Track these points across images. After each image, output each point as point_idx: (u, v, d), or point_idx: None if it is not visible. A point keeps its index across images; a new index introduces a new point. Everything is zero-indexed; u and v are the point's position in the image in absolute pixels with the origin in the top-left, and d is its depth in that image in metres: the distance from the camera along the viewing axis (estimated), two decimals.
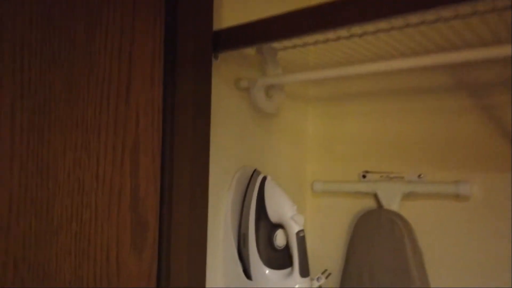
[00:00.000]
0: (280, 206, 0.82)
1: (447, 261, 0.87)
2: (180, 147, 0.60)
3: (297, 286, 0.78)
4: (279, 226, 0.85)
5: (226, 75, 0.86)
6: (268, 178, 0.86)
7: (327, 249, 1.06)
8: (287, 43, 0.83)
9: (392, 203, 0.93)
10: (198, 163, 0.65)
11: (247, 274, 0.83)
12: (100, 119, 0.60)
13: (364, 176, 1.01)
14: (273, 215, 0.83)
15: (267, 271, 0.81)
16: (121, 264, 0.50)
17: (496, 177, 0.83)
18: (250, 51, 0.91)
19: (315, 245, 1.07)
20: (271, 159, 1.01)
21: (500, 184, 0.82)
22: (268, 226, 0.85)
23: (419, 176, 0.92)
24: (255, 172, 0.89)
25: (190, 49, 0.65)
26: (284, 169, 1.06)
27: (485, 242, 0.83)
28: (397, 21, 0.67)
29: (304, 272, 0.79)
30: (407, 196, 0.92)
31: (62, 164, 0.59)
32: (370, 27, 0.71)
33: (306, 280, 0.79)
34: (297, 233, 0.80)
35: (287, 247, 0.87)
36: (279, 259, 0.84)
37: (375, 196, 0.97)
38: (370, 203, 0.99)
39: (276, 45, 0.85)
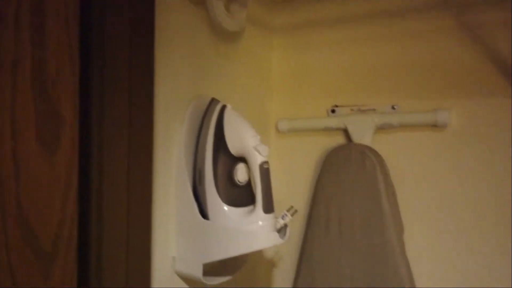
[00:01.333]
0: (242, 136, 0.72)
1: (421, 196, 0.82)
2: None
3: (260, 223, 0.69)
4: (241, 159, 0.74)
5: None
6: (229, 106, 0.75)
7: (294, 192, 0.97)
8: None
9: (364, 137, 0.85)
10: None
11: (204, 214, 0.73)
12: None
13: (333, 111, 0.92)
14: (234, 146, 0.73)
15: (226, 209, 0.71)
16: (20, 162, 0.37)
17: (476, 103, 0.77)
18: None
19: (281, 188, 0.99)
20: (230, 92, 0.89)
21: (479, 110, 0.76)
22: (228, 160, 0.74)
23: (392, 107, 0.84)
24: (213, 101, 0.77)
25: None
26: (245, 106, 0.95)
27: (463, 173, 0.78)
28: None
29: (268, 208, 0.70)
30: (380, 129, 0.85)
31: None
32: None
33: (270, 217, 0.70)
34: (261, 165, 0.70)
35: (249, 184, 0.77)
36: (240, 196, 0.74)
37: (345, 132, 0.89)
38: (340, 140, 0.91)
39: None
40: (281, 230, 0.72)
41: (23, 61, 0.38)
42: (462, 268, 0.77)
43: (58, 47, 0.41)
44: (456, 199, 0.78)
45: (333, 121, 0.90)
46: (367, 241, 0.81)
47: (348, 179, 0.83)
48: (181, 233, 0.74)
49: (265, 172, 0.70)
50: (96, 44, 0.47)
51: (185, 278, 0.77)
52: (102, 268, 0.47)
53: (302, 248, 0.90)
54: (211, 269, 0.79)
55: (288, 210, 0.73)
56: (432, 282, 0.80)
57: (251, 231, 0.69)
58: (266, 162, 0.71)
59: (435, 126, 0.80)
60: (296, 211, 0.73)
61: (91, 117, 0.45)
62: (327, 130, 0.92)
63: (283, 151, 1.00)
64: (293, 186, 0.98)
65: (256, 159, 0.70)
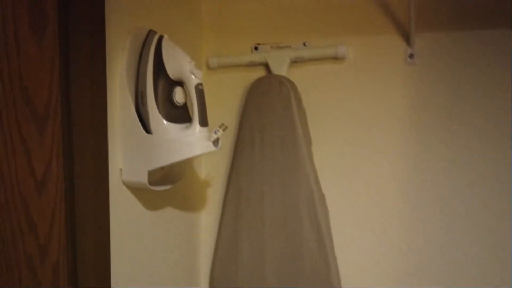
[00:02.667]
0: (179, 61, 0.83)
1: (326, 115, 1.01)
2: None
3: (197, 133, 0.82)
4: (178, 83, 0.86)
5: None
6: (166, 36, 0.86)
7: (225, 120, 1.12)
8: None
9: (281, 69, 1.01)
10: None
11: (147, 130, 0.84)
12: None
13: (256, 48, 1.07)
14: (172, 70, 0.84)
15: (166, 123, 0.83)
16: (20, 42, 0.46)
17: (368, 39, 0.96)
18: None
19: (213, 119, 1.12)
20: (164, 30, 0.99)
21: (371, 46, 0.96)
22: (167, 84, 0.86)
23: (304, 43, 1.02)
24: (151, 32, 0.87)
25: None
26: (179, 44, 1.05)
27: (358, 96, 0.98)
28: None
29: (204, 122, 0.84)
30: (294, 62, 1.02)
31: None
32: None
33: (205, 130, 0.84)
34: (196, 86, 0.83)
35: (186, 106, 0.90)
36: (178, 114, 0.87)
37: (266, 66, 1.05)
38: (262, 73, 1.07)
39: None
40: (215, 142, 0.87)
41: None
42: (359, 171, 1.00)
43: None
44: (353, 116, 0.99)
45: (256, 57, 1.05)
46: (284, 154, 0.99)
47: (268, 104, 1.00)
48: (127, 147, 0.86)
49: (200, 92, 0.83)
50: None
51: (132, 188, 0.89)
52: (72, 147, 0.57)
53: (232, 164, 1.07)
54: (155, 180, 0.92)
55: (220, 127, 0.88)
56: (336, 185, 1.02)
57: (189, 140, 0.83)
58: (201, 84, 0.84)
59: (336, 58, 0.99)
60: (226, 127, 0.88)
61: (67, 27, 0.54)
62: (251, 65, 1.07)
63: (214, 86, 1.13)
64: (224, 116, 1.12)
65: (192, 81, 0.83)
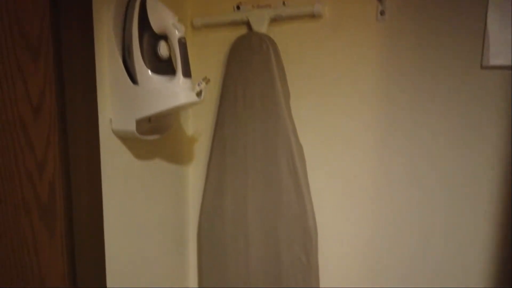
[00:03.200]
0: (162, 16, 0.89)
1: (304, 70, 1.08)
2: None
3: (180, 84, 0.88)
4: (163, 37, 0.92)
5: None
6: None
7: (210, 76, 1.18)
8: None
9: (261, 27, 1.07)
10: None
11: (134, 81, 0.90)
12: None
13: (238, 8, 1.12)
14: (156, 25, 0.89)
15: (151, 74, 0.89)
16: None
17: None
18: None
19: (198, 76, 1.19)
20: None
21: (345, 3, 1.01)
22: (151, 38, 0.91)
23: (283, 3, 1.07)
24: None
25: None
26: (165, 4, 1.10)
27: (334, 52, 1.04)
28: None
29: (187, 73, 0.90)
30: (274, 21, 1.07)
31: None
32: None
33: (188, 81, 0.90)
34: (179, 39, 0.88)
35: (170, 59, 0.96)
36: (163, 67, 0.93)
37: (248, 24, 1.10)
38: (243, 31, 1.12)
39: None
40: (198, 94, 0.93)
41: None
42: (334, 123, 1.07)
43: None
44: (329, 71, 1.05)
45: (238, 16, 1.10)
46: (264, 107, 1.06)
47: (249, 60, 1.06)
48: (116, 97, 0.92)
49: (183, 45, 0.89)
50: None
51: (121, 137, 0.96)
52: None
53: (217, 117, 1.13)
54: (143, 131, 0.98)
55: (203, 79, 0.94)
56: (313, 136, 1.09)
57: (173, 90, 0.89)
58: (184, 38, 0.89)
59: (313, 16, 1.04)
60: (209, 80, 0.94)
61: None
62: (234, 23, 1.12)
63: (199, 45, 1.19)
64: (209, 72, 1.18)
65: (175, 35, 0.88)
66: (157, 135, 1.00)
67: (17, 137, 0.59)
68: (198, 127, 1.24)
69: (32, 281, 0.68)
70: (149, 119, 0.99)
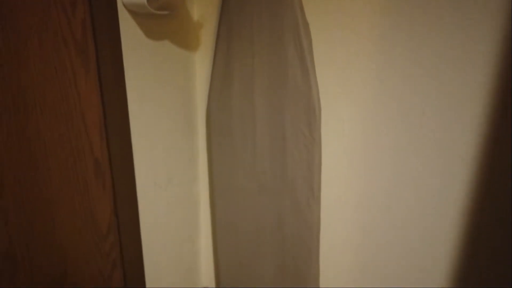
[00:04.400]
0: None
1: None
2: None
3: None
4: None
5: None
6: None
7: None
8: None
9: None
10: None
11: None
12: None
13: None
14: None
15: None
16: None
17: None
18: None
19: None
20: None
21: None
22: None
23: None
24: None
25: None
26: None
27: None
28: None
29: None
30: None
31: None
32: None
33: None
34: None
35: None
36: None
37: None
38: None
39: None
40: None
41: None
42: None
43: None
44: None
45: None
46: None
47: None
48: None
49: None
50: None
51: (132, 13, 0.97)
52: None
53: (222, 5, 1.15)
54: (153, 7, 0.99)
55: None
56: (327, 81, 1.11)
57: None
58: None
59: None
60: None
61: None
62: None
63: None
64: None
65: None
66: (165, 11, 1.02)
67: None
68: (204, 12, 1.24)
69: None
70: None
